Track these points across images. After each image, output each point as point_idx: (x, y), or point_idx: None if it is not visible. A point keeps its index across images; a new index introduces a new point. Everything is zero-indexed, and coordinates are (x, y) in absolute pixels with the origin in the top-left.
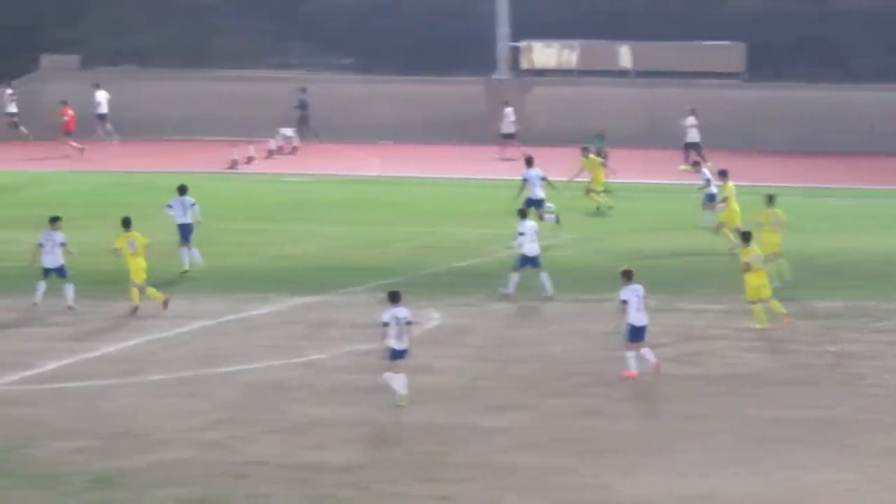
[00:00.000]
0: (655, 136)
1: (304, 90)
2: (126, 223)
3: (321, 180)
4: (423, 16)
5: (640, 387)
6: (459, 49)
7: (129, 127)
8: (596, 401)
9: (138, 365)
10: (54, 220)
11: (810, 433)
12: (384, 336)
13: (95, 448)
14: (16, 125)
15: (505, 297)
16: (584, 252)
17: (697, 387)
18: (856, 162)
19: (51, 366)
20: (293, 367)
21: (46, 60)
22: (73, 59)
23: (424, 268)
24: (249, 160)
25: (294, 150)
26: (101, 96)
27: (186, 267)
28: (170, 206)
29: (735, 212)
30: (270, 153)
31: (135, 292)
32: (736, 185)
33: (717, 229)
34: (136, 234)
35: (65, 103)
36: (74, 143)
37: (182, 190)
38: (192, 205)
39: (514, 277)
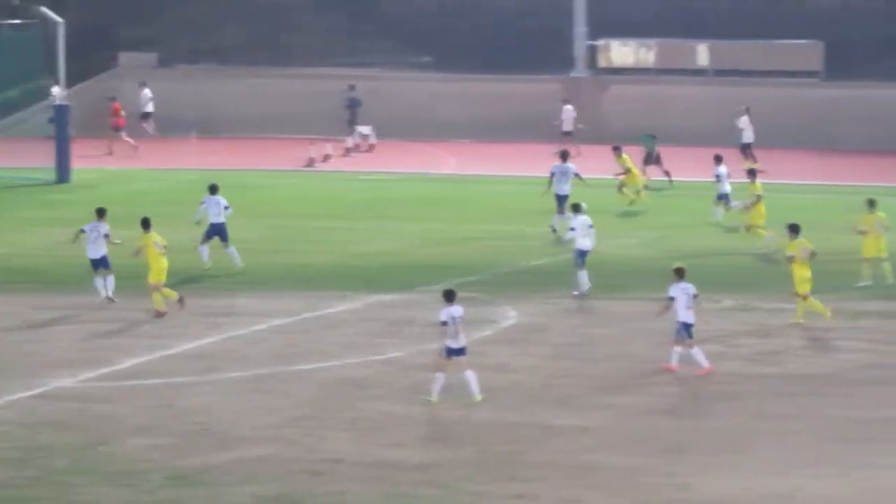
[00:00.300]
0: (733, 135)
1: (352, 87)
2: (146, 224)
3: (398, 178)
4: (500, 14)
5: (716, 385)
6: (537, 47)
7: (206, 124)
8: (673, 400)
9: (215, 362)
10: (101, 213)
11: (887, 433)
12: (443, 335)
13: (172, 445)
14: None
15: (581, 297)
16: (662, 251)
17: (774, 385)
18: None
19: (128, 363)
20: (370, 364)
21: (125, 58)
22: (151, 57)
23: (500, 266)
24: (326, 158)
25: (371, 147)
26: (146, 95)
27: (208, 265)
28: (203, 203)
29: (760, 213)
30: (347, 151)
31: (158, 298)
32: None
33: (747, 230)
34: (157, 236)
35: (114, 99)
36: (130, 140)
37: (213, 189)
38: (226, 207)
39: (582, 275)
